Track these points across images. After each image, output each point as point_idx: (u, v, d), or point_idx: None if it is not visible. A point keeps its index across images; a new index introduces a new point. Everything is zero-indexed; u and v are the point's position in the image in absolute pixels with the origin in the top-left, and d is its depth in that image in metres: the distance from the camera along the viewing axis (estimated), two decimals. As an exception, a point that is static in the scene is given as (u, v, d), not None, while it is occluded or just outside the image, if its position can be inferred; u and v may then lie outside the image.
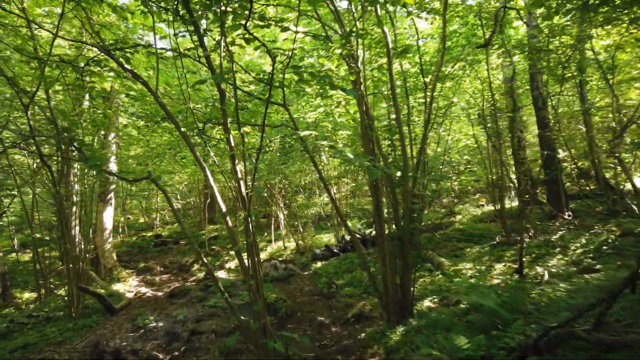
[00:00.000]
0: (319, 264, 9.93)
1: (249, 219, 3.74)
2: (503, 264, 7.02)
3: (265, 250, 12.33)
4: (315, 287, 8.48)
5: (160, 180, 4.02)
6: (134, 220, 25.43)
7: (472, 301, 3.92)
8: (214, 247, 13.21)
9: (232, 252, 12.42)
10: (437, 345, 3.34)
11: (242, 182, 3.91)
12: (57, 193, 7.40)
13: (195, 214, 19.37)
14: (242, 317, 4.04)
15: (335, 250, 10.30)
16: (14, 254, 14.45)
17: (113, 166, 11.54)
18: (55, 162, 8.12)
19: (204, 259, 4.09)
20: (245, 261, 4.20)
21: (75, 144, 3.98)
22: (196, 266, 11.84)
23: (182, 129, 4.06)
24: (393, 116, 5.42)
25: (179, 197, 21.90)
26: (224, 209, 4.09)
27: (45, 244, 13.36)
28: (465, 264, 7.30)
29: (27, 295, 9.44)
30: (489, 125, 9.15)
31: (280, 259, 11.03)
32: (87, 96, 9.40)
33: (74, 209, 10.79)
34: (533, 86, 10.63)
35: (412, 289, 5.08)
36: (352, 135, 9.32)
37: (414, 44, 8.02)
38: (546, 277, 5.14)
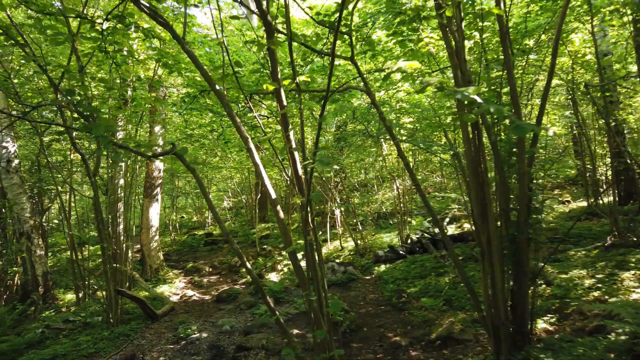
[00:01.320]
0: (382, 267, 8.64)
1: (309, 207, 2.56)
2: (631, 271, 5.40)
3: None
4: (381, 295, 7.20)
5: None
6: (187, 219, 25.27)
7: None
8: (265, 246, 12.25)
9: (285, 252, 11.41)
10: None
11: (297, 155, 2.74)
12: (92, 185, 6.63)
13: (247, 212, 18.64)
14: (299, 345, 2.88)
15: (401, 252, 8.96)
16: (68, 252, 14.27)
17: (159, 164, 10.88)
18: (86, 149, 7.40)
19: (248, 265, 2.98)
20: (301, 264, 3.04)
21: (76, 106, 2.98)
22: (246, 267, 10.91)
23: (217, 87, 2.95)
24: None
25: (230, 194, 21.35)
26: (273, 196, 2.94)
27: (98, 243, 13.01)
28: (577, 271, 5.74)
29: (69, 296, 8.87)
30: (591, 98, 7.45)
31: (338, 260, 9.84)
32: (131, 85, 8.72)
33: (119, 205, 10.20)
34: (639, 57, 8.73)
35: (529, 306, 3.69)
36: (423, 119, 7.94)
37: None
38: None
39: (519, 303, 3.65)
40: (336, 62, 4.98)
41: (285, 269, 10.17)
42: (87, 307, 7.56)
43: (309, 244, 2.72)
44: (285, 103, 2.77)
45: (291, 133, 2.76)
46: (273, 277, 9.78)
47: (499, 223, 3.71)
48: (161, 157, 11.04)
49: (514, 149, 3.71)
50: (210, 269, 11.43)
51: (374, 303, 6.88)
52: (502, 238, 3.65)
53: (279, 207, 2.96)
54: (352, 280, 8.17)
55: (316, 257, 2.88)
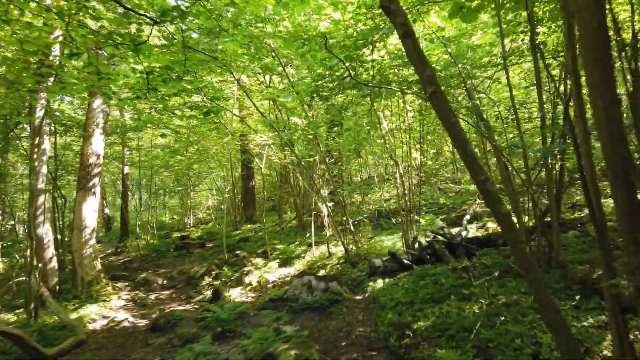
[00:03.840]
0: (379, 283, 6.21)
1: None
2: None
3: (303, 258, 8.78)
4: (374, 328, 4.80)
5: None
6: (176, 222, 23.02)
7: None
8: (238, 252, 9.86)
9: (257, 260, 9.05)
10: None
11: None
12: None
13: (230, 210, 16.19)
14: None
15: (405, 261, 6.54)
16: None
17: (97, 148, 8.60)
18: None
19: None
20: None
21: None
22: (207, 279, 8.56)
23: None
24: None
25: (214, 191, 19.01)
26: None
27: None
28: None
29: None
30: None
31: (321, 272, 7.46)
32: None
33: (40, 198, 7.97)
34: None
35: None
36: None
37: None
38: None
39: None
40: None
41: (255, 282, 7.79)
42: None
43: None
44: None
45: None
46: (236, 293, 7.40)
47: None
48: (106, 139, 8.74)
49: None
50: (165, 282, 9.10)
51: (362, 344, 4.48)
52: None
53: None
54: (335, 303, 5.78)
55: None
